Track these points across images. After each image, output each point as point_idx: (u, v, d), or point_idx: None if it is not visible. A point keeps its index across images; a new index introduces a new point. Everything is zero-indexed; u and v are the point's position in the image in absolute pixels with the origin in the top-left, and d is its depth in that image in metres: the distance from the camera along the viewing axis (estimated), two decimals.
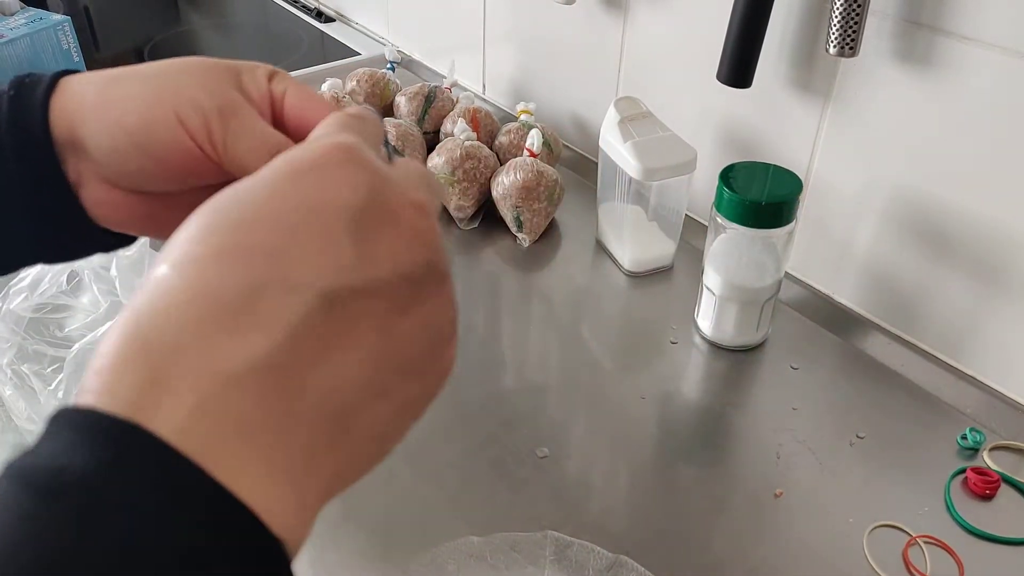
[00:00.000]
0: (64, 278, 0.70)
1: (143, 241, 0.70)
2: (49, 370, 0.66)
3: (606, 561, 0.56)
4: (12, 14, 1.14)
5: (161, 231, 0.41)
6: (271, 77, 0.40)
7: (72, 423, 0.22)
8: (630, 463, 0.65)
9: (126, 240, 0.42)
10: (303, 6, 1.46)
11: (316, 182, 0.27)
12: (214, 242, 0.25)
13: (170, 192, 0.39)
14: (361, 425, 0.27)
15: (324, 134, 0.31)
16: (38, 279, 0.69)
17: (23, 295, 0.68)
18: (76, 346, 0.64)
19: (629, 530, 0.59)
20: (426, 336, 0.29)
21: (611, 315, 0.81)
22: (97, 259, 0.70)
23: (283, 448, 0.24)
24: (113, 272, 0.69)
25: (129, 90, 0.38)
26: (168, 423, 0.22)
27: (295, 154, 0.28)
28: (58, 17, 1.13)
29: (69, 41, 1.14)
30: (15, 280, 0.69)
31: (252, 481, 0.23)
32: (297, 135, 0.38)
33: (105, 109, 0.37)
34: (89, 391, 0.23)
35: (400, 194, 0.29)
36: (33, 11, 1.15)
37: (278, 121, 0.40)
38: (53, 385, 0.64)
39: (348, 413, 0.26)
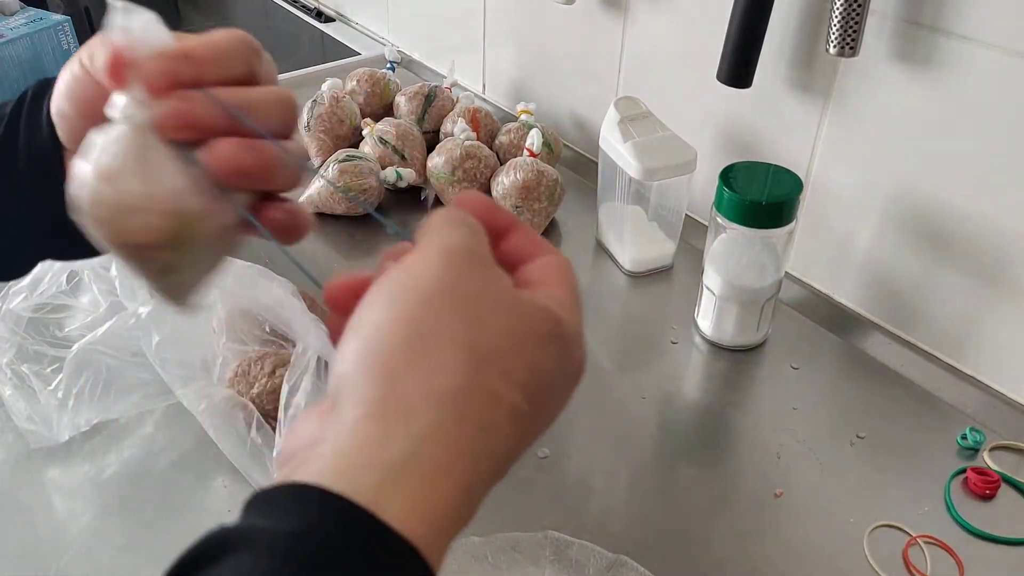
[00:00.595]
0: (64, 278, 0.70)
1: None
2: (49, 370, 0.66)
3: (606, 561, 0.55)
4: (12, 14, 1.14)
5: None
6: None
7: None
8: (631, 463, 0.65)
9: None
10: (303, 6, 1.46)
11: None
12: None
13: None
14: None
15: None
16: (38, 279, 0.69)
17: (23, 295, 0.68)
18: (76, 346, 0.64)
19: (629, 530, 0.59)
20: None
21: (611, 315, 0.81)
22: (97, 259, 0.70)
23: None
24: (113, 272, 0.69)
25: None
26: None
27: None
28: (58, 17, 1.13)
29: (69, 41, 1.14)
30: (15, 280, 0.69)
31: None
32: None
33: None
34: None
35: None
36: (33, 11, 1.15)
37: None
38: (53, 385, 0.64)
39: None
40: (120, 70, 0.34)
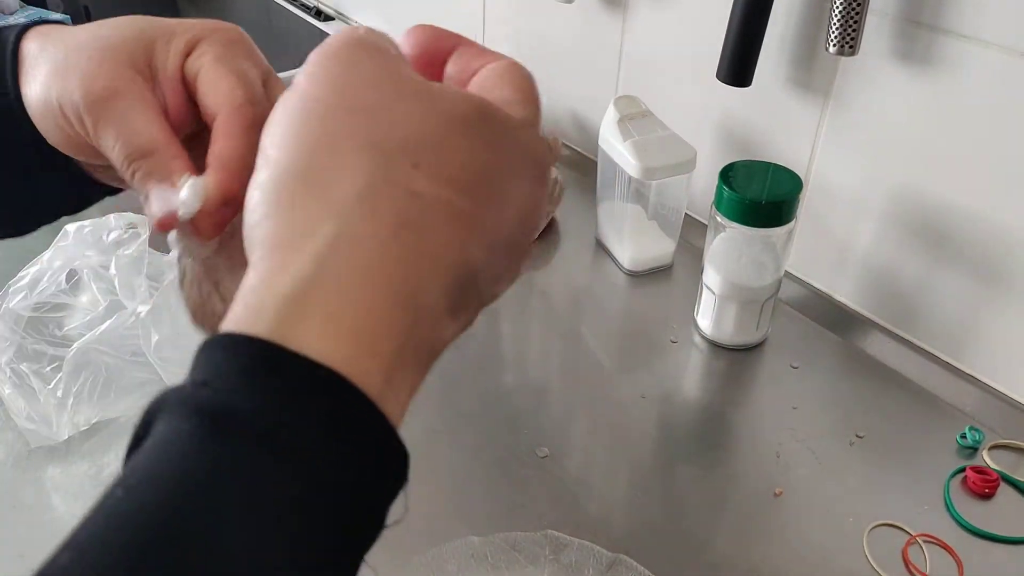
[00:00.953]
0: (63, 277, 0.70)
1: (143, 239, 0.70)
2: (48, 369, 0.66)
3: (606, 560, 0.55)
4: (12, 12, 1.14)
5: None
6: (191, 50, 0.38)
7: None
8: (630, 462, 0.65)
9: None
10: (303, 5, 1.46)
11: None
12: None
13: None
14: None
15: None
16: (37, 278, 0.69)
17: (22, 294, 0.68)
18: (75, 345, 0.64)
19: (629, 530, 0.59)
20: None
21: (611, 314, 0.81)
22: (96, 258, 0.70)
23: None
24: (112, 271, 0.68)
25: (38, 70, 0.38)
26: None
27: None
28: (58, 16, 1.13)
29: None
30: (14, 279, 0.69)
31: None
32: (208, 115, 0.37)
33: (24, 86, 0.38)
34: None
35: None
36: (33, 10, 1.15)
37: (192, 98, 0.38)
38: (52, 384, 0.64)
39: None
40: (167, 228, 0.35)
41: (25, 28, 0.39)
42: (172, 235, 0.36)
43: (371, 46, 0.29)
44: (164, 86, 0.38)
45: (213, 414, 0.22)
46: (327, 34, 1.39)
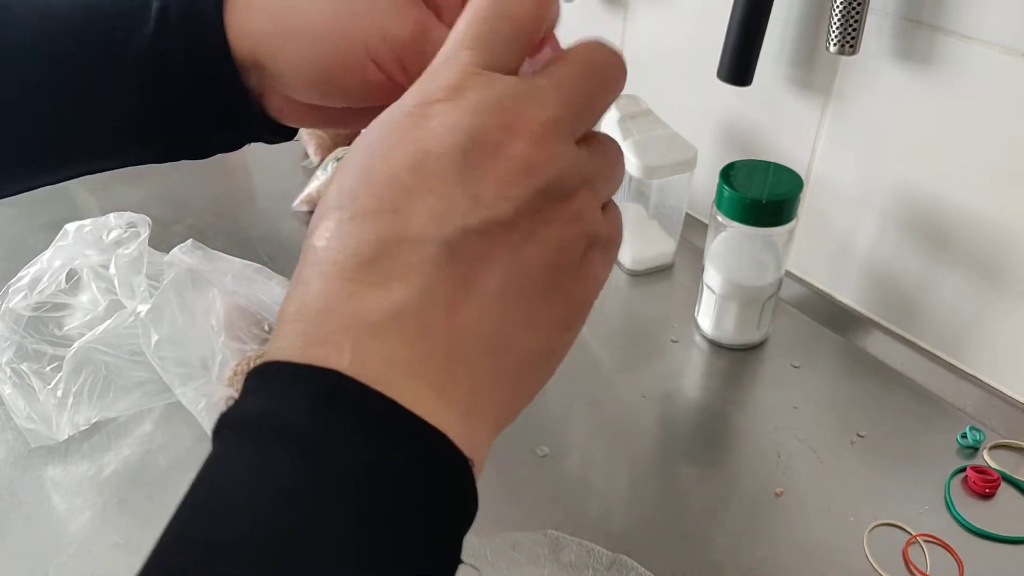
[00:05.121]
0: (63, 276, 0.69)
1: (142, 239, 0.69)
2: (48, 369, 0.66)
3: (606, 560, 0.55)
4: None
5: (338, 127, 0.42)
6: None
7: (279, 374, 0.26)
8: (630, 462, 0.65)
9: (293, 132, 0.42)
10: None
11: (420, 134, 0.28)
12: (349, 206, 0.28)
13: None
14: (517, 352, 0.28)
15: (442, 60, 0.30)
16: (37, 277, 0.69)
17: (22, 293, 0.68)
18: (75, 344, 0.64)
19: (629, 529, 0.59)
20: (558, 255, 0.29)
21: (611, 314, 0.81)
22: (96, 257, 0.70)
23: (444, 382, 0.26)
24: (112, 270, 0.68)
25: (311, 20, 0.36)
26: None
27: (404, 101, 0.29)
28: None
29: None
30: (14, 279, 0.69)
31: (424, 409, 0.26)
32: None
33: (287, 40, 0.36)
34: (268, 351, 0.27)
35: (506, 122, 0.28)
36: None
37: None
38: (52, 384, 0.64)
39: (499, 344, 0.28)
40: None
41: None
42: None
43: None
44: (440, 4, 0.37)
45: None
46: None
